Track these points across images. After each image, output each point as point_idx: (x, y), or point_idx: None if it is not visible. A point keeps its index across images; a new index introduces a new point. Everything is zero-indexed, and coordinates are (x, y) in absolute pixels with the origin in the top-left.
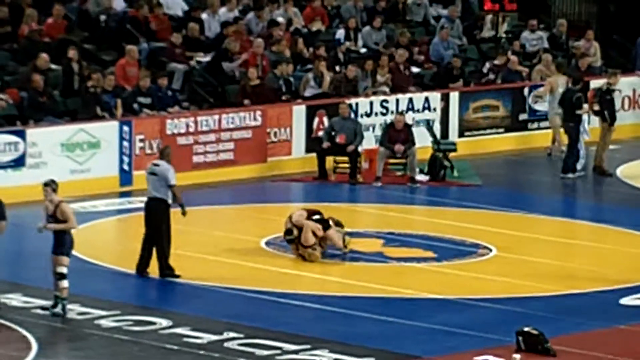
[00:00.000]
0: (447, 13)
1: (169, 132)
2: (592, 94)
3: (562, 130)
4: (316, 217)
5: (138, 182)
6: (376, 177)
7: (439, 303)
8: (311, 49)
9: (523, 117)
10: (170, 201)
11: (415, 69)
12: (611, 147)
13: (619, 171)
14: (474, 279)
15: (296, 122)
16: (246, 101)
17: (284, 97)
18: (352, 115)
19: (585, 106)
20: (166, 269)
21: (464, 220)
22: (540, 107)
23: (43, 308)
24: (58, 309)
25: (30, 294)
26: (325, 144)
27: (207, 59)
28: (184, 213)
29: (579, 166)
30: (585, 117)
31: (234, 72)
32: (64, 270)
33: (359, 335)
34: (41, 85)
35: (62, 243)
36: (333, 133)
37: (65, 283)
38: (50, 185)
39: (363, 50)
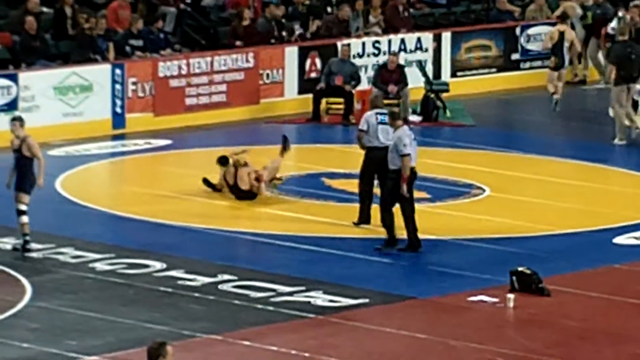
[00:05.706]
0: None
1: (161, 74)
2: (605, 32)
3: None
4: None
5: (131, 125)
6: None
7: (433, 244)
8: None
9: (515, 56)
10: None
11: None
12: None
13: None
14: (467, 219)
15: (288, 64)
16: (238, 42)
17: (272, 40)
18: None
19: None
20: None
21: (457, 161)
22: (534, 46)
23: (15, 249)
24: (28, 246)
25: None
26: (320, 85)
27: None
28: None
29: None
30: None
31: (218, 11)
32: (23, 207)
33: (353, 277)
34: (34, 28)
35: (24, 180)
36: (330, 75)
37: (24, 219)
38: (19, 120)
39: None
